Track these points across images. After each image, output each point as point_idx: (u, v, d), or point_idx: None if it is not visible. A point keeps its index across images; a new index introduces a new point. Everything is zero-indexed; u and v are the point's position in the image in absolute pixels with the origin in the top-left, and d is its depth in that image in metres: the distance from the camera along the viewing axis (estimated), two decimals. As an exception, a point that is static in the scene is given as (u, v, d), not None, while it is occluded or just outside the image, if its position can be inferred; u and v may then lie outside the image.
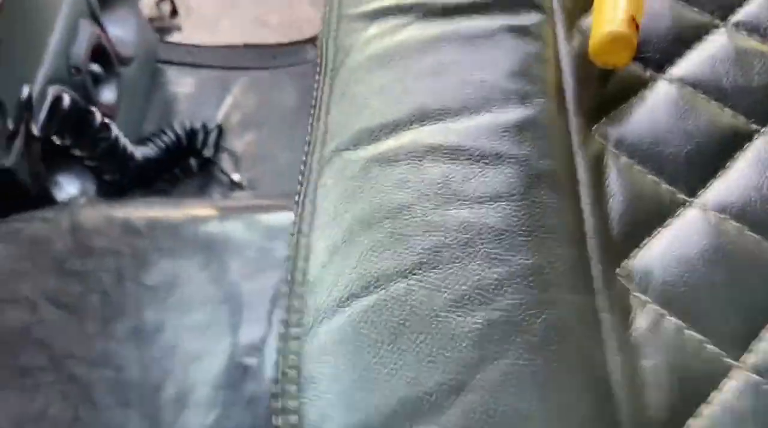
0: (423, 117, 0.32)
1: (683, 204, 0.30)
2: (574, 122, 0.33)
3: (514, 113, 0.31)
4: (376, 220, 0.29)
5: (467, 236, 0.27)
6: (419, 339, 0.25)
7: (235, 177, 1.06)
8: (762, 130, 0.32)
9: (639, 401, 0.24)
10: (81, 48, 0.85)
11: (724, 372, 0.25)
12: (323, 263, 0.28)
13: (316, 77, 0.36)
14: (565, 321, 0.25)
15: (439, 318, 0.25)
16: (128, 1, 1.09)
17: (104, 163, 0.87)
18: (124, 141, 0.90)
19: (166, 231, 0.69)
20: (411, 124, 0.32)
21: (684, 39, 0.36)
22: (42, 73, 0.79)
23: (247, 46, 1.33)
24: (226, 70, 1.27)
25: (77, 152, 0.83)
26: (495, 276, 0.26)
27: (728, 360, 0.25)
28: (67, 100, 0.77)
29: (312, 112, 0.34)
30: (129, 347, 0.61)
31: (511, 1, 0.36)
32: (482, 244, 0.27)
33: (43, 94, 0.76)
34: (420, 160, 0.30)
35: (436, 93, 0.32)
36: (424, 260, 0.27)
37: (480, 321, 0.25)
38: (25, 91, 0.71)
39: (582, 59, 0.35)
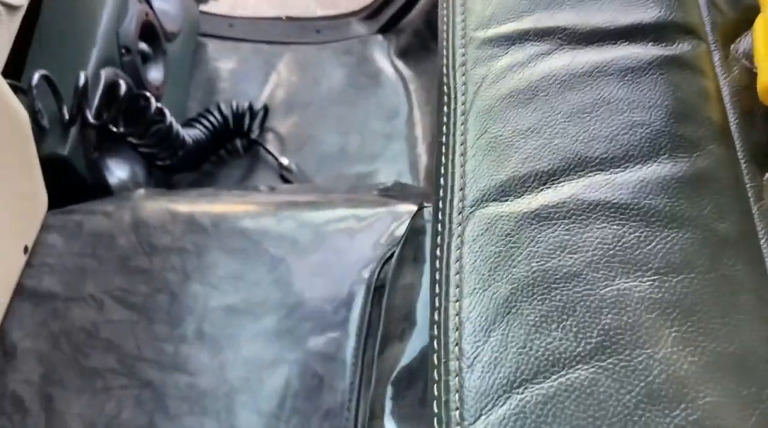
0: (581, 166, 0.28)
1: None
2: (746, 174, 0.29)
3: (685, 164, 0.28)
4: (540, 290, 0.26)
5: (652, 316, 0.24)
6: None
7: (284, 160, 1.04)
8: None
9: None
10: (131, 26, 0.81)
11: None
12: (482, 337, 0.25)
13: (444, 111, 0.32)
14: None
15: (633, 419, 0.22)
16: (169, -32, 1.04)
17: (158, 149, 0.85)
18: (177, 126, 0.87)
19: (231, 228, 0.67)
20: (568, 174, 0.28)
21: None
22: (94, 56, 0.75)
23: (290, 18, 1.28)
24: (270, 44, 1.23)
25: (132, 139, 0.80)
26: (689, 366, 0.23)
27: None
28: (123, 87, 0.74)
29: (443, 153, 0.31)
30: (201, 351, 0.59)
31: (663, 26, 0.32)
32: (671, 326, 0.24)
33: (96, 78, 0.73)
34: (584, 219, 0.27)
35: (593, 137, 0.29)
36: (606, 343, 0.24)
37: (681, 424, 0.22)
38: (82, 78, 0.68)
39: (745, 94, 0.31)
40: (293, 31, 1.26)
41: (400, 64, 1.15)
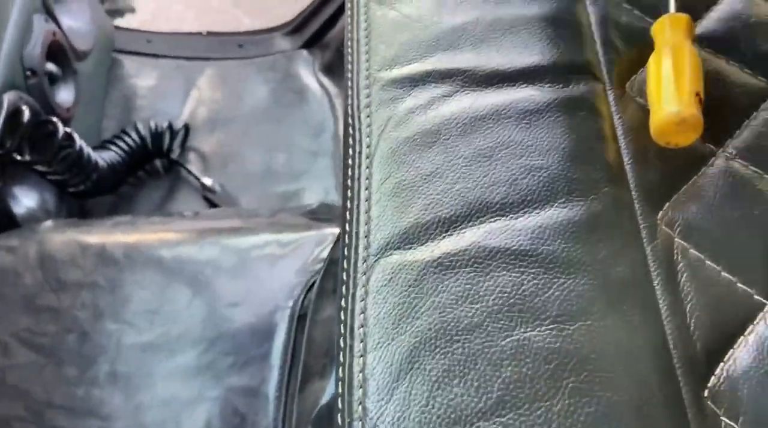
0: (482, 211, 0.28)
1: (762, 308, 0.28)
2: (640, 212, 0.30)
3: (581, 208, 0.29)
4: (442, 343, 0.25)
5: (549, 369, 0.24)
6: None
7: (206, 180, 1.01)
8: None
9: None
10: (36, 48, 0.77)
11: None
12: (385, 396, 0.25)
13: (350, 154, 0.32)
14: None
15: None
16: (81, -16, 1.00)
17: (68, 175, 0.81)
18: (88, 150, 0.83)
19: (145, 259, 0.65)
20: (470, 221, 0.28)
21: (740, 107, 0.34)
22: (-3, 79, 0.71)
23: (210, 33, 1.25)
24: (190, 60, 1.20)
25: (40, 167, 0.76)
26: (588, 418, 0.24)
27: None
28: (27, 112, 0.70)
29: (348, 197, 0.30)
30: (114, 394, 0.57)
31: (560, 67, 0.33)
32: (568, 377, 0.24)
33: (-2, 102, 0.69)
34: (485, 267, 0.27)
35: (494, 182, 0.29)
36: (506, 398, 0.24)
37: None
38: (-19, 103, 0.65)
39: (638, 134, 0.32)
40: (215, 46, 1.24)
41: (325, 80, 1.14)
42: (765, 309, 0.28)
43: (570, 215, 0.28)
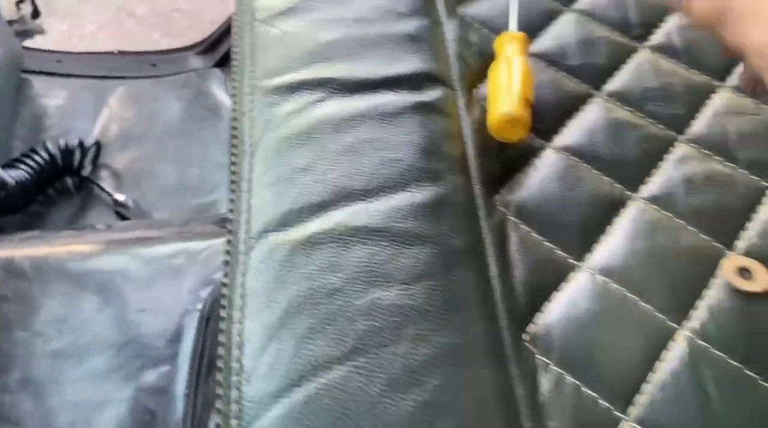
0: (346, 197, 0.34)
1: (574, 268, 0.35)
2: (479, 196, 0.36)
3: (428, 192, 0.34)
4: (309, 306, 0.30)
5: (396, 320, 0.30)
6: (359, 425, 0.27)
7: (119, 197, 1.02)
8: (634, 196, 0.37)
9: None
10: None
11: (613, 424, 0.30)
12: (259, 352, 0.29)
13: (233, 152, 0.37)
14: (487, 398, 0.29)
15: (377, 404, 0.28)
16: (-14, 4, 1.00)
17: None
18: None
19: (54, 271, 0.66)
20: (335, 205, 0.33)
21: (564, 108, 0.41)
22: None
23: (122, 53, 1.26)
24: (101, 79, 1.20)
25: (-59, 187, 0.77)
26: (423, 357, 0.29)
27: (617, 413, 0.30)
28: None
29: (233, 190, 0.35)
30: (25, 400, 0.58)
31: (418, 77, 0.39)
32: (410, 326, 0.30)
33: None
34: (346, 243, 0.32)
35: (356, 173, 0.34)
36: (358, 345, 0.29)
37: (412, 404, 0.28)
38: None
39: (481, 132, 0.39)
40: (127, 65, 1.24)
41: (237, 96, 1.17)
42: (575, 270, 0.35)
43: (419, 198, 0.34)
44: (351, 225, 0.33)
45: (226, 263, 0.33)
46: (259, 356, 0.29)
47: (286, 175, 0.35)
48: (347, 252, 0.32)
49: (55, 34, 1.33)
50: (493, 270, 0.34)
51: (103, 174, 1.06)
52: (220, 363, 0.29)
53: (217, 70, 1.21)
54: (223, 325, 0.30)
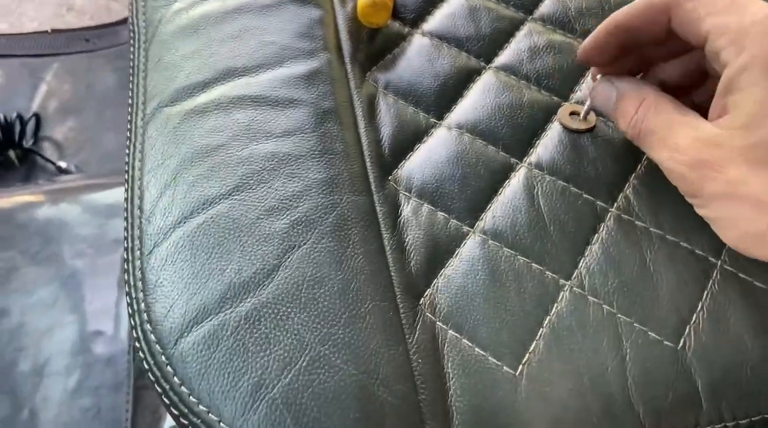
0: (229, 75, 0.39)
1: (434, 125, 0.40)
2: (351, 72, 0.42)
3: (303, 66, 0.40)
4: (197, 160, 0.35)
5: (272, 163, 0.35)
6: (241, 241, 0.32)
7: (62, 164, 1.05)
8: (487, 67, 0.43)
9: (405, 263, 0.34)
10: None
11: (462, 236, 0.35)
12: (156, 198, 0.35)
13: (131, 49, 0.41)
14: (350, 215, 0.34)
15: (255, 225, 0.33)
16: None
17: None
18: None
19: (7, 217, 0.70)
20: (219, 81, 0.38)
21: (432, 0, 0.46)
22: None
23: (55, 31, 1.29)
24: (36, 58, 1.23)
25: None
26: (295, 189, 0.34)
27: (465, 227, 0.36)
28: None
29: (131, 79, 0.40)
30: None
31: None
32: (284, 168, 0.35)
33: None
34: (229, 109, 0.37)
35: (238, 55, 0.39)
36: (240, 184, 0.34)
37: (286, 222, 0.33)
38: None
39: (353, 21, 0.44)
40: (61, 43, 1.27)
41: (172, 63, 1.20)
42: (435, 127, 0.40)
43: (294, 71, 0.39)
44: (233, 95, 0.38)
45: (127, 139, 0.38)
46: (156, 202, 0.34)
47: (176, 61, 0.40)
48: (230, 116, 0.37)
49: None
50: (362, 129, 0.39)
51: (45, 145, 1.09)
52: (124, 212, 0.34)
53: (150, 41, 1.23)
54: (126, 185, 0.35)
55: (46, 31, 1.28)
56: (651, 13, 0.32)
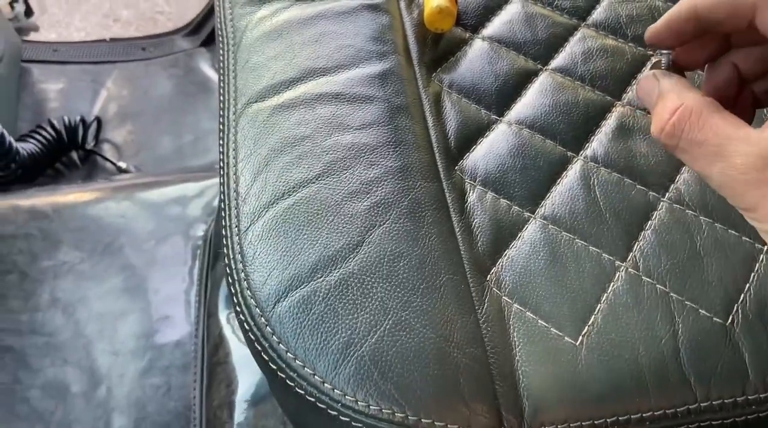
0: (311, 74, 0.43)
1: (495, 122, 0.44)
2: (418, 72, 0.46)
3: (376, 67, 0.44)
4: (286, 149, 0.40)
5: (352, 152, 0.39)
6: (328, 220, 0.37)
7: (122, 164, 1.11)
8: (544, 69, 0.47)
9: (473, 243, 0.38)
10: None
11: (524, 221, 0.39)
12: (251, 182, 0.39)
13: (221, 52, 0.46)
14: (423, 199, 0.38)
15: (340, 206, 0.37)
16: (-13, 4, 1.09)
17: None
18: (9, 138, 0.93)
19: (72, 211, 0.76)
20: (303, 80, 0.43)
21: (490, 7, 0.50)
22: None
23: (114, 40, 1.35)
24: (96, 64, 1.29)
25: (-37, 150, 0.86)
26: (374, 175, 0.38)
27: (527, 213, 0.39)
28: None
29: (221, 78, 0.44)
30: (55, 315, 0.67)
31: None
32: (363, 156, 0.39)
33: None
34: (312, 105, 0.41)
35: (318, 57, 0.44)
36: (325, 170, 0.39)
37: (367, 204, 0.37)
38: None
39: (420, 26, 0.48)
40: (119, 51, 1.33)
41: (224, 71, 1.25)
42: (496, 123, 0.44)
43: (369, 71, 0.44)
44: (316, 92, 0.42)
45: (220, 131, 0.42)
46: (250, 186, 0.39)
47: (263, 62, 0.44)
48: (314, 111, 0.41)
49: (47, 34, 1.41)
50: (431, 123, 0.43)
51: (106, 147, 1.16)
52: (221, 195, 0.39)
53: (203, 50, 1.30)
54: (221, 171, 0.40)
55: (105, 40, 1.35)
56: (737, 6, 0.30)
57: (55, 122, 1.04)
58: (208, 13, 1.30)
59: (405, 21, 0.49)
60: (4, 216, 0.74)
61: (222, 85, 0.44)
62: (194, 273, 0.70)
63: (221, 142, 0.41)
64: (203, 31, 1.32)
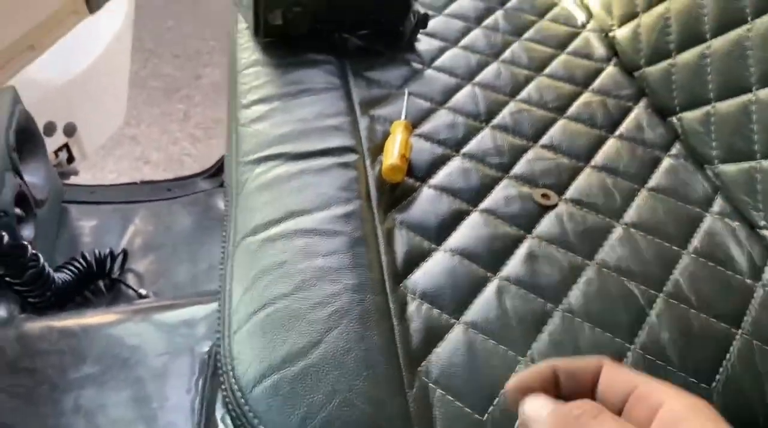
0: (292, 215, 0.57)
1: (434, 249, 0.57)
2: (376, 213, 0.60)
3: (342, 209, 0.58)
4: (268, 271, 0.53)
5: (320, 273, 0.52)
6: (296, 324, 0.49)
7: (142, 291, 1.24)
8: (474, 209, 0.60)
9: (409, 342, 0.49)
10: (8, 196, 1.04)
11: (450, 326, 0.51)
12: (240, 296, 0.52)
13: (227, 199, 0.61)
14: (371, 308, 0.50)
15: (307, 313, 0.49)
16: (39, 153, 1.29)
17: (31, 287, 1.04)
18: (49, 269, 1.07)
19: (97, 331, 0.88)
20: (285, 219, 0.57)
21: (435, 163, 0.65)
22: (-19, 219, 0.96)
23: (144, 182, 1.54)
24: (127, 204, 1.46)
25: (9, 279, 0.99)
26: (334, 290, 0.51)
27: (452, 319, 0.51)
28: (5, 237, 0.95)
29: (226, 218, 0.58)
30: (78, 420, 0.77)
31: (340, 149, 0.64)
32: (327, 276, 0.52)
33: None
34: (291, 238, 0.55)
35: (298, 202, 0.58)
36: (297, 287, 0.51)
37: (329, 311, 0.49)
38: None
39: (380, 179, 0.63)
40: (147, 191, 1.50)
41: (239, 208, 1.40)
42: (435, 250, 0.57)
43: (336, 212, 0.58)
44: (294, 228, 0.56)
45: (222, 260, 0.55)
46: (240, 299, 0.51)
47: (257, 206, 0.58)
48: (292, 242, 0.55)
49: (84, 178, 1.60)
50: (382, 249, 0.56)
51: (129, 276, 1.30)
52: (219, 305, 0.51)
53: (221, 190, 1.47)
54: (222, 289, 0.53)
55: (135, 182, 1.54)
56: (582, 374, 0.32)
57: (87, 255, 1.18)
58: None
59: (368, 175, 0.63)
60: (39, 335, 0.86)
61: (226, 223, 0.58)
62: (199, 383, 0.80)
63: (221, 268, 0.55)
64: (222, 174, 1.50)
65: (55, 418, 0.77)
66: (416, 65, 0.77)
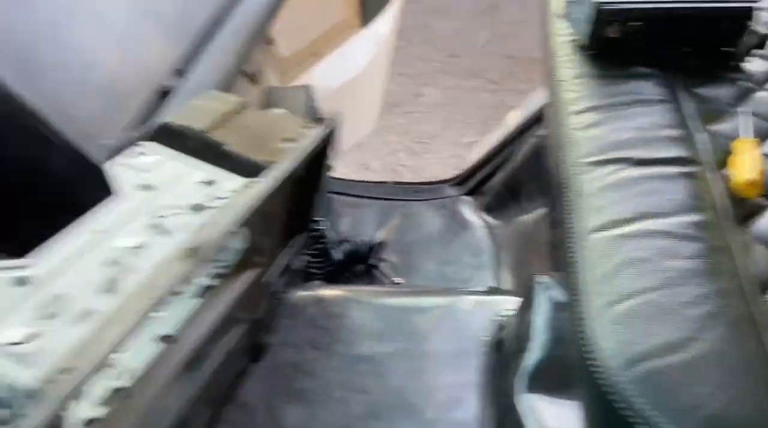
0: (645, 216, 0.59)
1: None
2: (726, 223, 0.59)
3: (695, 217, 0.58)
4: (628, 265, 0.54)
5: (685, 274, 0.53)
6: (668, 318, 0.49)
7: (396, 279, 1.32)
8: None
9: (786, 356, 0.48)
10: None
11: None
12: (597, 284, 0.54)
13: (563, 199, 0.63)
14: (742, 316, 0.50)
15: (680, 310, 0.50)
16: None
17: (317, 259, 1.16)
18: (330, 244, 1.19)
19: (383, 305, 0.96)
20: (639, 219, 0.58)
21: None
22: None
23: (396, 183, 1.64)
24: (381, 200, 1.56)
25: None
26: (703, 291, 0.51)
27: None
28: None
29: (559, 210, 0.61)
30: (362, 378, 0.85)
31: (680, 159, 0.64)
32: (692, 278, 0.52)
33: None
34: (647, 237, 0.56)
35: (649, 204, 0.59)
36: (663, 283, 0.52)
37: (701, 311, 0.50)
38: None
39: (727, 191, 0.62)
40: (398, 192, 1.60)
41: (484, 216, 1.46)
42: (798, 269, 0.54)
43: (689, 219, 0.58)
44: (648, 229, 0.57)
45: (568, 249, 0.58)
46: (597, 286, 0.53)
47: (604, 205, 0.61)
48: (648, 242, 0.56)
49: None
50: (739, 263, 0.55)
51: (383, 265, 1.39)
52: (571, 292, 0.54)
53: (467, 198, 1.53)
54: (571, 269, 0.55)
55: (386, 182, 1.64)
56: None
57: (357, 241, 1.29)
58: (473, 169, 1.54)
59: (711, 186, 0.63)
60: (334, 300, 0.97)
61: (564, 217, 0.60)
62: (484, 365, 0.84)
63: (570, 253, 0.57)
64: (470, 182, 1.56)
65: (348, 372, 0.86)
66: (745, 84, 0.75)
